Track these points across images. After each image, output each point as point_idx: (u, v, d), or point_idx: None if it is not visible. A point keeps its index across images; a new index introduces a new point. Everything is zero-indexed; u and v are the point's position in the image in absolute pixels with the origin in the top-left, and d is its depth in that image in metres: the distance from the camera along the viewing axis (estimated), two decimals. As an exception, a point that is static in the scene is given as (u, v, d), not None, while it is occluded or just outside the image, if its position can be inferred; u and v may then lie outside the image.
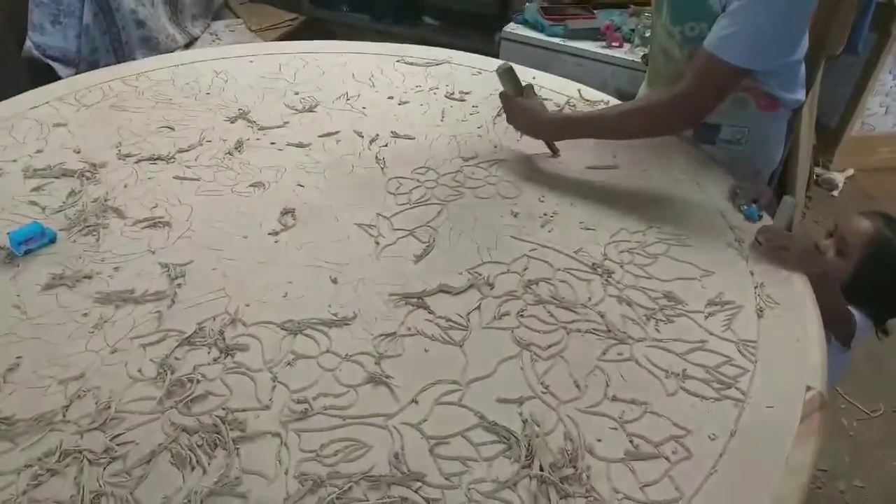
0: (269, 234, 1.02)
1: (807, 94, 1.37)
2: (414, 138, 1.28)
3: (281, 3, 2.97)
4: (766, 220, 1.10)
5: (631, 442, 0.73)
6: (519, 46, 2.33)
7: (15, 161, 1.14)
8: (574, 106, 1.42)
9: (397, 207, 1.09)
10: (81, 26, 2.15)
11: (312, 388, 0.77)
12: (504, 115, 1.25)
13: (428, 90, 1.47)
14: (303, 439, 0.72)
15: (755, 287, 0.95)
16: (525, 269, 0.97)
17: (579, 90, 1.47)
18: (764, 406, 0.78)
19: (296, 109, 1.36)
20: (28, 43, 2.15)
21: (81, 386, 0.76)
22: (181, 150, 1.20)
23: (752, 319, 0.90)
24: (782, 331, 0.89)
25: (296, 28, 2.82)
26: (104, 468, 0.68)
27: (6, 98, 1.33)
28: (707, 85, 1.04)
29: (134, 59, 2.17)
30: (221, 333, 0.83)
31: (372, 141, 1.27)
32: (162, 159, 1.17)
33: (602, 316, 0.90)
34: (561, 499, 0.68)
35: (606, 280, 0.96)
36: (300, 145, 1.24)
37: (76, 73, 1.88)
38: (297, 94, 1.42)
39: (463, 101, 1.43)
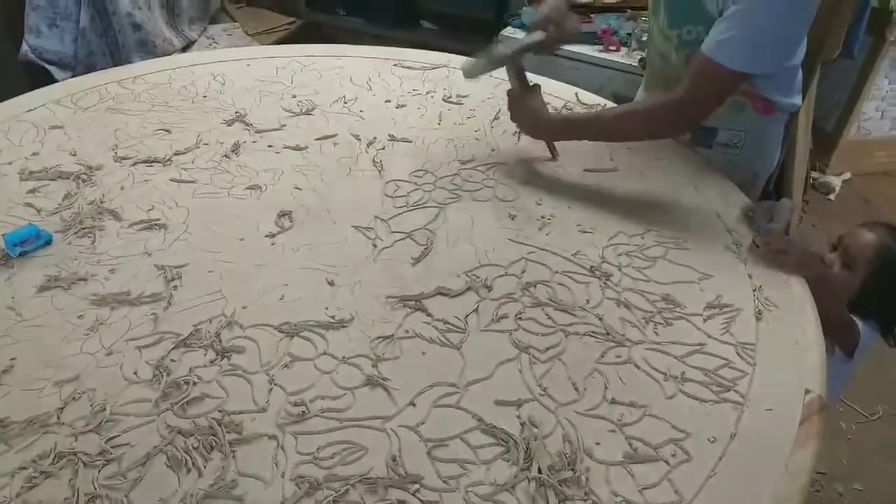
0: (266, 236, 1.01)
1: (803, 98, 1.37)
2: (411, 141, 1.28)
3: (278, 6, 2.97)
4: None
5: (630, 445, 0.73)
6: (516, 50, 2.33)
7: (11, 163, 1.14)
8: (571, 110, 1.42)
9: (395, 210, 1.09)
10: (78, 30, 2.15)
11: (309, 391, 0.77)
12: (502, 118, 1.25)
13: (425, 94, 1.47)
14: (299, 442, 0.71)
15: (754, 290, 0.95)
16: (523, 272, 0.97)
17: (576, 94, 1.47)
18: (763, 409, 0.78)
19: (293, 112, 1.36)
20: (25, 46, 2.15)
21: (76, 388, 0.76)
22: (178, 153, 1.20)
23: (751, 322, 0.90)
24: (781, 334, 0.89)
25: (293, 32, 2.82)
26: (99, 470, 0.67)
27: (3, 101, 1.33)
28: (705, 89, 1.04)
29: (130, 62, 2.17)
30: (218, 335, 0.83)
31: (369, 144, 1.27)
32: (158, 162, 1.17)
33: (600, 319, 0.89)
34: (559, 502, 0.67)
35: (605, 283, 0.96)
36: (297, 148, 1.24)
37: (73, 77, 1.88)
38: (294, 97, 1.42)
39: (460, 104, 1.43)
